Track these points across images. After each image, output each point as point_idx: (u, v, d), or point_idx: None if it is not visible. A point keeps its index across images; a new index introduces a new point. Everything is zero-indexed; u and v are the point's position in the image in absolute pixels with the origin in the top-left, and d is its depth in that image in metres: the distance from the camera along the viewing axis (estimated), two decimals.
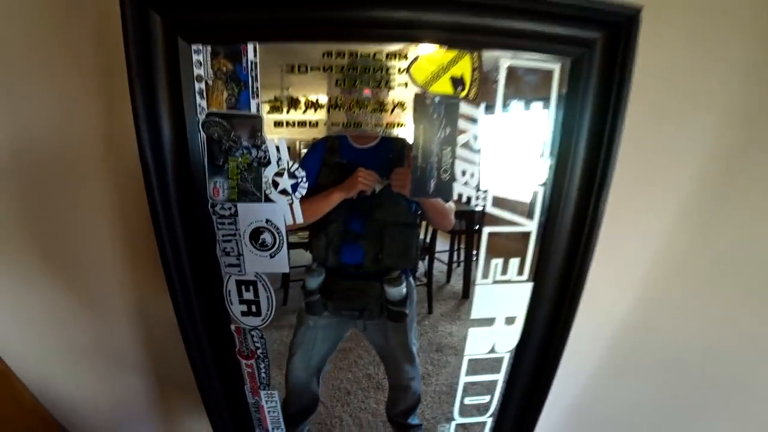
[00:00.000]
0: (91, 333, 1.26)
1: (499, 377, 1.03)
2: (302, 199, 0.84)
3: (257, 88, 0.76)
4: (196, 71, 0.76)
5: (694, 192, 1.01)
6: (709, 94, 0.95)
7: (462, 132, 0.79)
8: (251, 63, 0.75)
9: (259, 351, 0.97)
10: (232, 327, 0.95)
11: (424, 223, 1.22)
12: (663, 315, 1.15)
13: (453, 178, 0.81)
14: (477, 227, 1.86)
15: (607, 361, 1.24)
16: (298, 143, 1.37)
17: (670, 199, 1.02)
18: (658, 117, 0.94)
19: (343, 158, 1.07)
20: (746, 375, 1.18)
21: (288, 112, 0.78)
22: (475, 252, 2.06)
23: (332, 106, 0.77)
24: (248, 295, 0.91)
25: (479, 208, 0.84)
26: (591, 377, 1.26)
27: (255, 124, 0.78)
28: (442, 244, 2.27)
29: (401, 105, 0.77)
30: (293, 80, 0.77)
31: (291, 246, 1.00)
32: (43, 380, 1.34)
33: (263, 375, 1.00)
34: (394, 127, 0.78)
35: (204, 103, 0.78)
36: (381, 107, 0.77)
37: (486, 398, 1.06)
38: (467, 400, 1.05)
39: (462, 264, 2.29)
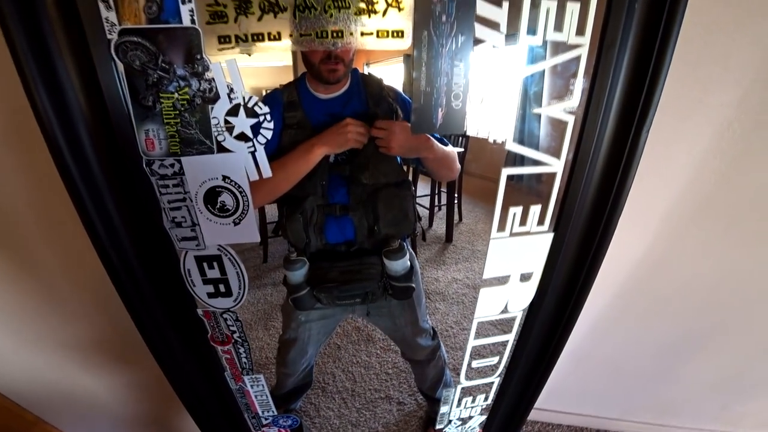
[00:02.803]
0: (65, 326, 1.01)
1: (510, 337, 0.84)
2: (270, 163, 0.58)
3: None
4: None
5: (726, 127, 0.80)
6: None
7: (480, 41, 0.53)
8: None
9: (236, 335, 0.73)
10: (200, 311, 0.70)
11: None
12: (677, 258, 0.97)
13: (467, 106, 0.56)
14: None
15: (611, 308, 1.08)
16: (264, 92, 1.04)
17: (701, 127, 0.81)
18: (706, 30, 0.70)
19: (306, 113, 0.78)
20: (750, 317, 1.06)
21: (236, 20, 0.49)
22: (456, 195, 1.88)
23: (300, 7, 0.49)
24: (213, 273, 0.65)
25: (498, 144, 0.60)
26: (594, 323, 1.11)
27: (191, 42, 0.49)
28: (422, 188, 2.07)
29: (397, 3, 0.49)
30: None
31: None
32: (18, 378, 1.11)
33: (244, 360, 0.77)
34: (387, 36, 0.51)
35: (113, 17, 0.48)
36: (370, 7, 0.49)
37: (494, 359, 0.87)
38: (475, 364, 0.86)
39: (444, 207, 2.09)
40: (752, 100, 0.76)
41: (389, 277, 0.89)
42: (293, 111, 0.78)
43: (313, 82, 0.78)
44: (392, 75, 0.86)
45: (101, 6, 0.48)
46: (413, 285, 0.91)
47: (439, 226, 1.92)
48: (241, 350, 0.76)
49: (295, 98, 0.79)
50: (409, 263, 0.89)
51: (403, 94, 0.86)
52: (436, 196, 1.84)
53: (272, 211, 1.85)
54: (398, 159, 0.86)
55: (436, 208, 1.88)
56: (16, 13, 0.48)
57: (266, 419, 0.89)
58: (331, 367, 1.55)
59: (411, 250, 0.96)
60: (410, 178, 0.95)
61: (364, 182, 0.82)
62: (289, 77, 0.87)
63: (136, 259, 0.63)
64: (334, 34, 0.50)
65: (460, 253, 1.91)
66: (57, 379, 1.10)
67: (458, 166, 0.89)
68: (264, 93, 1.05)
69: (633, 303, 1.07)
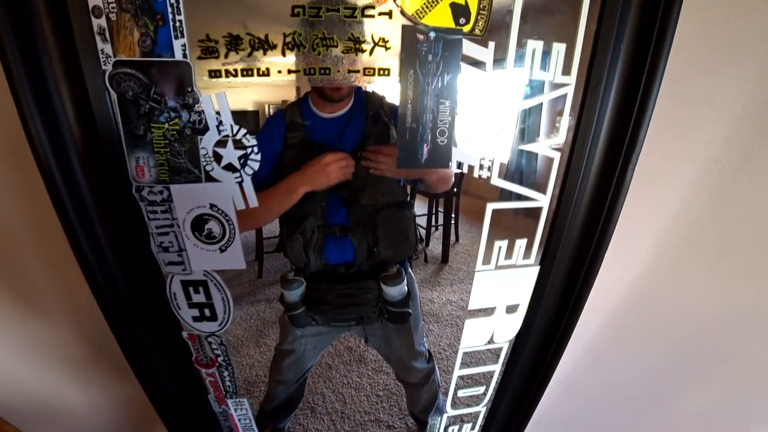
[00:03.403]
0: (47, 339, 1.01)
1: (496, 367, 0.83)
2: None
3: (181, 22, 0.48)
4: (92, 1, 0.48)
5: (713, 163, 0.80)
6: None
7: (465, 80, 0.54)
8: None
9: (220, 359, 0.73)
10: (184, 334, 0.70)
11: None
12: (666, 289, 0.97)
13: (452, 142, 0.57)
14: (455, 189, 1.61)
15: (602, 335, 1.07)
16: (267, 107, 1.05)
17: (688, 163, 0.81)
18: (690, 70, 0.71)
19: (308, 133, 0.77)
20: (740, 348, 1.05)
21: (227, 56, 0.50)
22: (453, 215, 1.87)
23: (289, 45, 0.50)
24: (198, 298, 0.65)
25: (483, 178, 0.61)
26: (585, 350, 1.10)
27: (182, 75, 0.50)
28: (420, 208, 2.06)
29: (384, 42, 0.50)
30: (232, 9, 0.50)
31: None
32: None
33: (228, 383, 0.77)
34: (374, 74, 0.52)
35: (109, 49, 0.49)
36: (357, 46, 0.50)
37: (481, 389, 0.86)
38: (461, 393, 0.86)
39: (441, 228, 2.08)
40: (738, 138, 0.77)
41: (386, 302, 0.88)
42: (295, 131, 0.78)
43: (317, 101, 0.78)
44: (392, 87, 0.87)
45: (98, 38, 0.50)
46: (410, 311, 0.90)
47: (436, 246, 1.91)
48: (225, 373, 0.76)
49: (297, 118, 0.78)
50: (406, 289, 0.88)
51: None
52: (433, 216, 1.83)
53: (269, 226, 1.85)
54: (401, 180, 0.86)
55: (433, 228, 1.87)
56: (15, 44, 0.50)
57: None
58: (321, 387, 1.53)
59: (411, 273, 0.96)
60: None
61: (363, 203, 0.82)
62: (292, 92, 0.86)
63: (122, 281, 0.63)
64: (322, 71, 0.51)
65: (455, 274, 1.89)
66: (40, 391, 1.10)
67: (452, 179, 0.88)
68: (267, 108, 1.06)
69: (624, 330, 1.05)
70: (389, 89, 0.61)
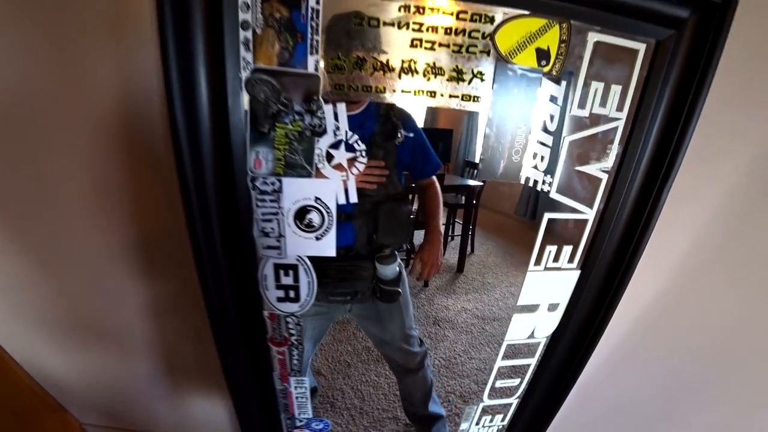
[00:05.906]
0: (95, 313, 1.08)
1: (533, 361, 0.94)
2: None
3: (317, 41, 0.59)
4: (242, 16, 0.58)
5: (740, 185, 0.93)
6: None
7: (540, 110, 0.66)
8: (312, 10, 0.58)
9: (293, 338, 0.82)
10: (265, 313, 0.79)
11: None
12: (686, 304, 1.08)
13: (523, 161, 0.69)
14: (474, 202, 1.74)
15: (619, 347, 1.18)
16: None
17: (714, 189, 0.94)
18: (723, 103, 0.85)
19: None
20: (756, 367, 1.16)
21: (351, 73, 0.62)
22: (471, 227, 1.98)
23: (405, 70, 0.61)
24: (287, 280, 0.75)
25: (544, 191, 0.72)
26: (601, 362, 1.20)
27: (311, 86, 0.61)
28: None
29: (480, 75, 0.63)
30: (361, 35, 0.61)
31: None
32: (41, 361, 1.17)
33: (295, 362, 0.86)
34: (469, 99, 0.64)
35: (250, 57, 0.60)
36: (459, 75, 0.62)
37: (516, 381, 0.97)
38: (498, 383, 0.96)
39: (457, 237, 2.19)
40: (763, 170, 0.90)
41: (378, 281, 1.02)
42: None
43: None
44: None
45: (242, 48, 0.60)
46: (399, 290, 1.05)
47: (452, 256, 2.02)
48: (295, 353, 0.85)
49: None
50: (398, 269, 1.02)
51: (414, 120, 0.97)
52: (451, 226, 1.95)
53: None
54: (401, 178, 1.00)
55: (450, 238, 1.99)
56: (174, 45, 0.59)
57: (300, 421, 0.97)
58: (340, 383, 1.62)
59: (400, 260, 1.07)
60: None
61: (369, 194, 0.93)
62: None
63: (222, 257, 0.72)
64: (429, 95, 0.63)
65: (470, 284, 2.00)
66: (85, 370, 1.16)
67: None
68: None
69: (642, 344, 1.16)
70: (479, 113, 0.72)
